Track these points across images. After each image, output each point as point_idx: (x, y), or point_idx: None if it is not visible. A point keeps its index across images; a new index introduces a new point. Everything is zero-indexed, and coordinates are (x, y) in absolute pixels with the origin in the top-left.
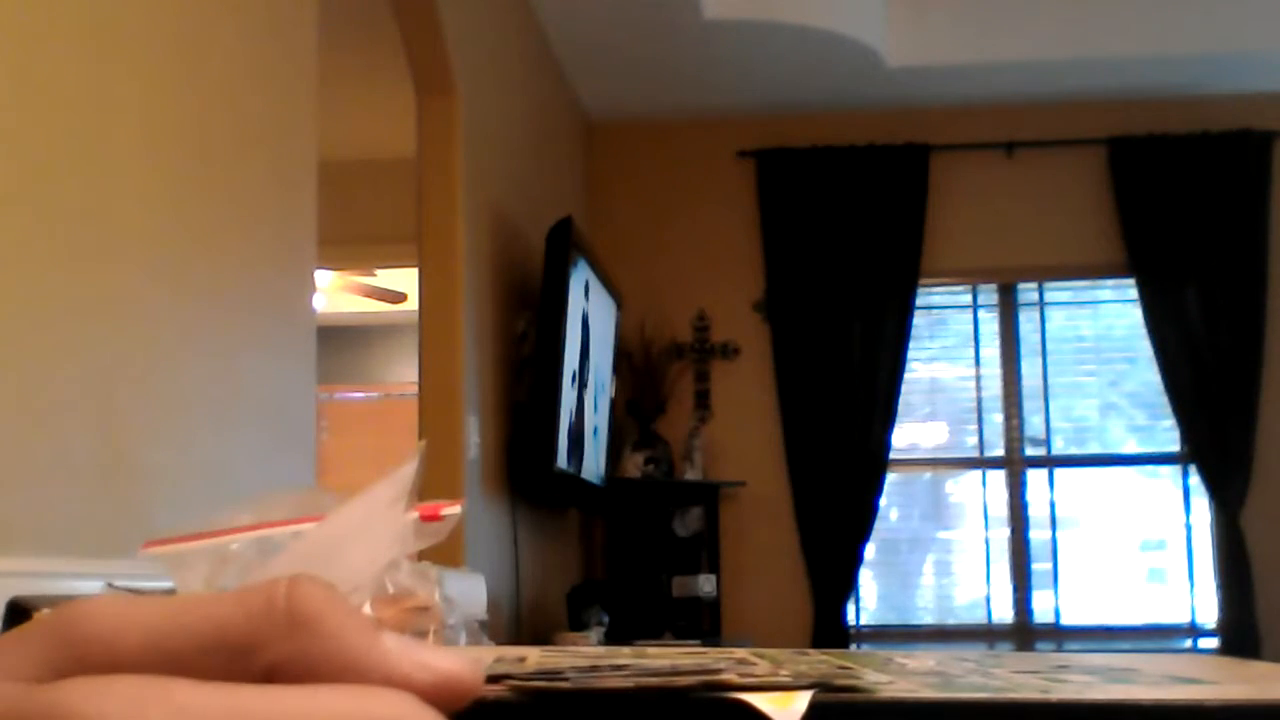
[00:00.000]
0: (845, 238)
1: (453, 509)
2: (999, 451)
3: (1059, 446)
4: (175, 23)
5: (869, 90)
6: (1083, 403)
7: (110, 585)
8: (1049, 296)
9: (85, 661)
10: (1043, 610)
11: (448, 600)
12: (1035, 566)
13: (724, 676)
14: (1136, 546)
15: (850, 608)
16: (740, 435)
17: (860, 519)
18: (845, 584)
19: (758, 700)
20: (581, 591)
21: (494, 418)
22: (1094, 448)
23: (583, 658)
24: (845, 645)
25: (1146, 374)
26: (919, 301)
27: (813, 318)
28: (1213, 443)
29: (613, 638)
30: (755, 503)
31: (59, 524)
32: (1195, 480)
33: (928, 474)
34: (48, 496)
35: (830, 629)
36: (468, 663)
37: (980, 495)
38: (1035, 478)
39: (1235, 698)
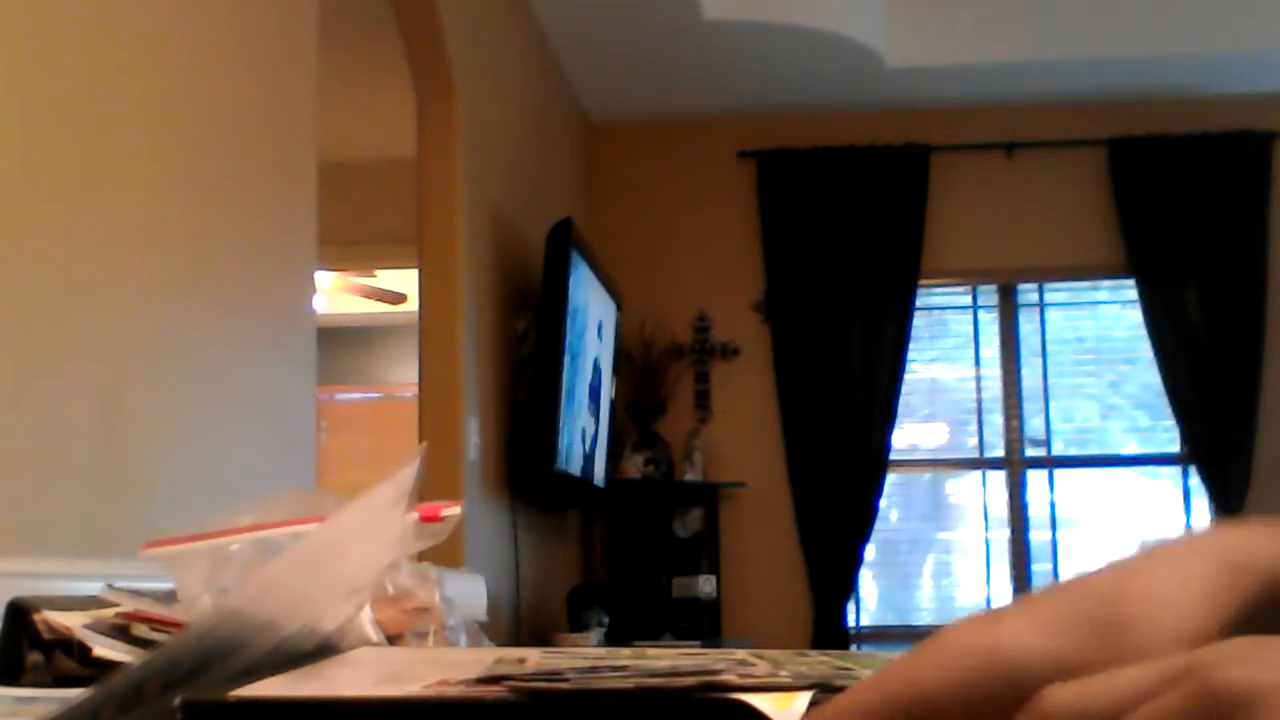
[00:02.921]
0: (845, 238)
1: (452, 510)
2: (999, 452)
3: (1059, 447)
4: (175, 23)
5: (869, 90)
6: (1083, 403)
7: (110, 586)
8: (1049, 297)
9: (1118, 644)
10: None
11: (447, 601)
12: (1035, 567)
13: (724, 677)
14: (1137, 547)
15: (850, 609)
16: (740, 436)
17: (860, 520)
18: (845, 585)
19: (758, 701)
20: (581, 592)
21: (494, 418)
22: (1094, 449)
23: (583, 659)
24: (845, 646)
25: (1146, 375)
26: (919, 302)
27: (813, 318)
28: (1213, 443)
29: (612, 639)
30: (755, 504)
31: (59, 524)
32: (1195, 481)
33: (928, 475)
34: (48, 496)
35: (830, 630)
36: None
37: (980, 496)
38: (1035, 479)
39: None
